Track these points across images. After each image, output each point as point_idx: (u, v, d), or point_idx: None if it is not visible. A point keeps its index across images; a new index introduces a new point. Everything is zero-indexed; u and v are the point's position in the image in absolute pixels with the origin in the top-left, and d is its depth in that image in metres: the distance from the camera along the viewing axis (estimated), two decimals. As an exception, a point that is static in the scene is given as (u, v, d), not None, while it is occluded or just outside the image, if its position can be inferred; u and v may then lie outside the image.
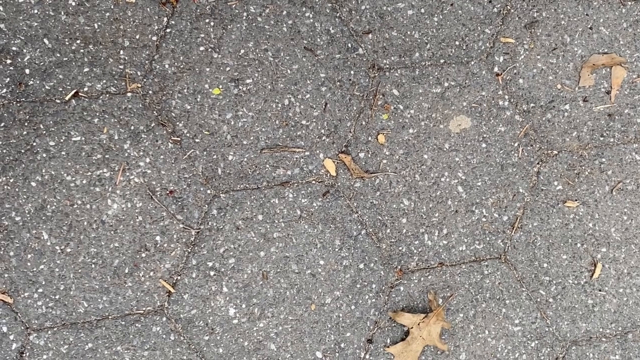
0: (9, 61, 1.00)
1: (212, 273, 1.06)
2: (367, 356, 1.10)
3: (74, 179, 1.02)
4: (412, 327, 1.09)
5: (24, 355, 1.01)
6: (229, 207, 1.06)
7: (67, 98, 1.02)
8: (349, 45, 1.09)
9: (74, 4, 1.02)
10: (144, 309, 1.04)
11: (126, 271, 1.03)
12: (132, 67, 1.03)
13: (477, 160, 1.12)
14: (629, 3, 1.17)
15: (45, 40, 1.01)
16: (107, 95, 1.03)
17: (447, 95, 1.11)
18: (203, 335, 1.05)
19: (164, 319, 1.04)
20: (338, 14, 1.08)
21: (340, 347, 1.09)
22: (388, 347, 1.09)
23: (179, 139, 1.05)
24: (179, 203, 1.05)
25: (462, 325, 1.12)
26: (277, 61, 1.07)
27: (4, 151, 1.00)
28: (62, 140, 1.02)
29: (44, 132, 1.01)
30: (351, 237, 1.09)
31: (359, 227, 1.09)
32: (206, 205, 1.05)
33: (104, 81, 1.03)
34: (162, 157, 1.04)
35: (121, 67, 1.03)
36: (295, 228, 1.08)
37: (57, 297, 1.02)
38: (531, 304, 1.14)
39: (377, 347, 1.10)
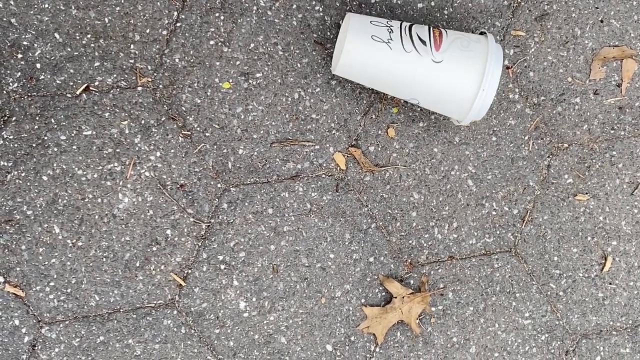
0: (20, 55, 1.01)
1: (222, 266, 1.06)
2: (377, 349, 1.10)
3: (85, 173, 1.02)
4: (396, 297, 1.09)
5: (36, 348, 1.02)
6: (239, 200, 1.06)
7: (78, 92, 1.02)
8: (359, 38, 1.09)
9: (84, -2, 1.02)
10: (155, 302, 1.04)
11: (137, 265, 1.04)
12: (142, 61, 1.04)
13: (488, 154, 1.12)
14: (640, -5, 1.16)
15: (56, 35, 1.01)
16: (118, 90, 1.03)
17: (457, 89, 1.11)
18: (214, 329, 1.06)
19: (175, 312, 1.05)
20: (348, 7, 1.08)
21: (350, 340, 1.09)
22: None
23: (189, 133, 1.05)
24: (190, 197, 1.05)
25: (472, 318, 1.12)
26: (287, 55, 1.07)
27: (16, 145, 1.01)
28: (73, 135, 1.02)
29: (55, 126, 1.01)
30: (361, 231, 1.09)
31: (369, 220, 1.10)
32: (216, 199, 1.06)
33: (115, 75, 1.03)
34: (172, 151, 1.04)
35: (132, 61, 1.03)
36: (306, 222, 1.08)
37: (68, 290, 1.02)
38: (541, 297, 1.14)
39: (387, 340, 1.10)
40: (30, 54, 1.01)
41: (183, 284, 1.05)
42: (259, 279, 1.07)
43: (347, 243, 1.09)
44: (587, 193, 1.15)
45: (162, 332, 1.05)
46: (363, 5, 1.08)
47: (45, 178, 1.01)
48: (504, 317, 1.13)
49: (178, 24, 1.04)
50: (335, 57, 1.03)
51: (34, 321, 1.02)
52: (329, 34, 1.08)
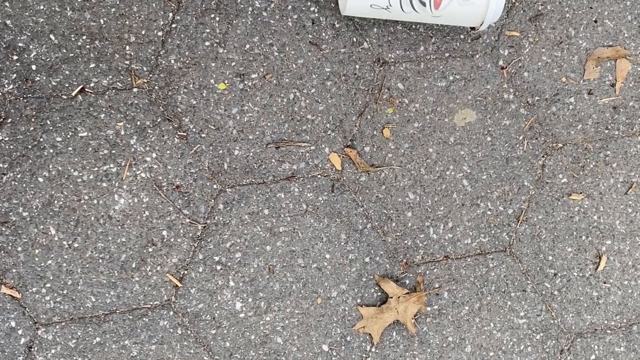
0: (15, 57, 1.01)
1: (218, 267, 1.06)
2: (373, 349, 1.10)
3: (81, 174, 1.02)
4: (391, 297, 1.09)
5: (33, 349, 1.02)
6: (235, 201, 1.06)
7: (73, 94, 1.02)
8: (354, 39, 1.09)
9: (79, -1, 1.02)
10: (151, 303, 1.05)
11: (133, 266, 1.04)
12: (138, 62, 1.04)
13: (482, 154, 1.13)
14: (634, -5, 1.17)
15: (52, 36, 1.01)
16: (114, 91, 1.03)
17: (452, 89, 1.12)
18: (210, 329, 1.06)
19: (171, 313, 1.05)
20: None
21: (346, 340, 1.10)
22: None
23: (185, 134, 1.05)
24: (186, 198, 1.05)
25: (468, 318, 1.13)
26: (282, 56, 1.07)
27: (11, 147, 1.01)
28: (68, 136, 1.02)
29: (51, 127, 1.01)
30: (357, 231, 1.10)
31: (365, 221, 1.10)
32: (212, 200, 1.06)
33: (110, 77, 1.03)
34: (168, 152, 1.04)
35: (127, 62, 1.03)
36: (301, 222, 1.08)
37: (65, 291, 1.02)
38: (536, 297, 1.15)
39: (383, 340, 1.10)
40: (26, 56, 1.01)
41: (179, 284, 1.05)
42: (255, 280, 1.07)
43: (342, 243, 1.09)
44: (581, 192, 1.16)
45: (159, 333, 1.05)
46: (358, 6, 1.09)
47: (41, 179, 1.01)
48: (499, 317, 1.14)
49: (173, 25, 1.05)
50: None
51: (30, 323, 1.02)
52: (324, 34, 1.08)
